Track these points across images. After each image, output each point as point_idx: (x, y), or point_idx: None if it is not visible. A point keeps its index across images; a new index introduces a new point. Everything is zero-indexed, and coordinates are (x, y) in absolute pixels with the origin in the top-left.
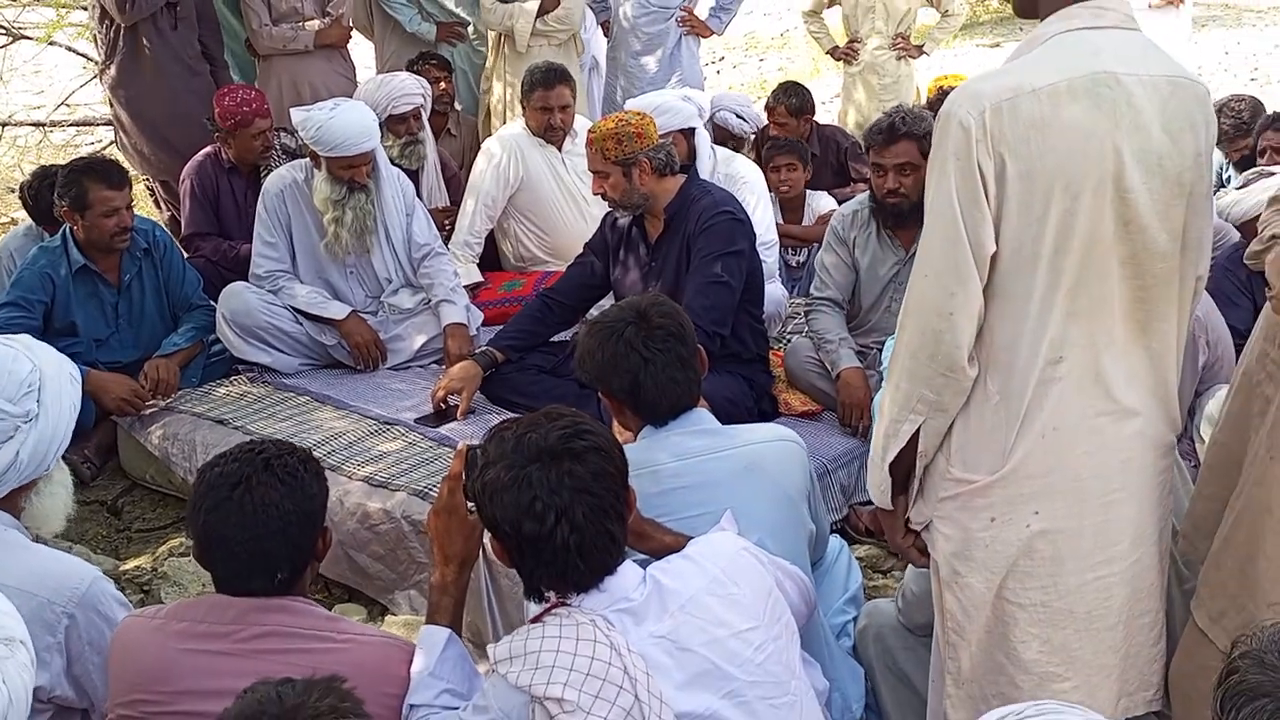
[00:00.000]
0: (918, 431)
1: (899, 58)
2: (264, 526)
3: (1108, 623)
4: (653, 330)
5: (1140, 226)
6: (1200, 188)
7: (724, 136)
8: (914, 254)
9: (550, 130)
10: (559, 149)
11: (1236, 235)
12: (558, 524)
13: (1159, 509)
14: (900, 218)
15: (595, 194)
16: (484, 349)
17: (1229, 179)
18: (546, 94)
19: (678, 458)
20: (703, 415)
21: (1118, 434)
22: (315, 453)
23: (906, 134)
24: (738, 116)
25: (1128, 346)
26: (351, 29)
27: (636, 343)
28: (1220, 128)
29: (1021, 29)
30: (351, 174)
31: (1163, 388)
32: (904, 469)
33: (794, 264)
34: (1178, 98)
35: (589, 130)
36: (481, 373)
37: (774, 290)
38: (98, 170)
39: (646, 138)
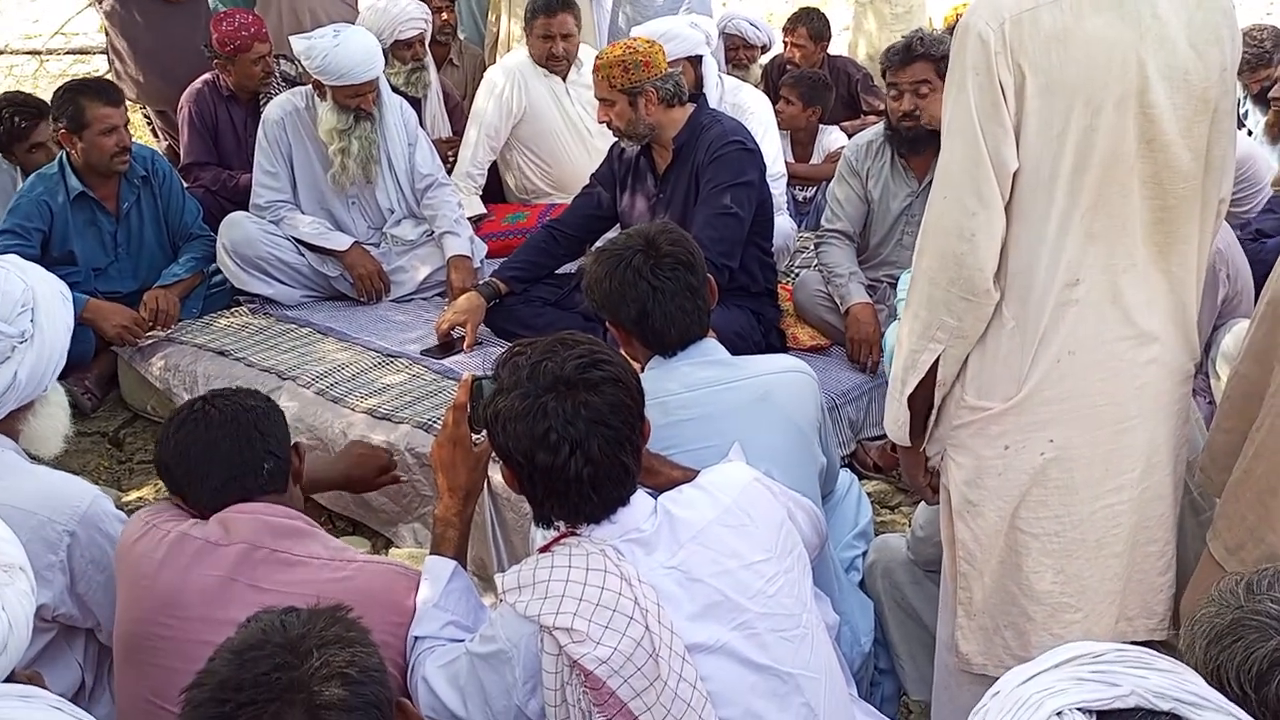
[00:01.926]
0: (937, 361)
1: None
2: (228, 425)
3: (1114, 550)
4: (661, 258)
5: (1163, 144)
6: (1225, 105)
7: (738, 45)
8: (928, 185)
9: (553, 59)
10: (563, 79)
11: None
12: (572, 456)
13: (1174, 438)
14: (915, 143)
15: (600, 123)
16: (488, 280)
17: (1246, 114)
18: (549, 21)
19: (687, 388)
20: (712, 345)
21: (1134, 359)
22: (318, 385)
23: (924, 55)
24: (752, 25)
25: (1147, 270)
26: None
27: (645, 271)
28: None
29: None
30: (358, 102)
31: (1181, 312)
32: (923, 404)
33: (801, 199)
34: (1204, 9)
35: (596, 57)
36: (485, 304)
37: (782, 223)
38: (93, 87)
39: (654, 66)
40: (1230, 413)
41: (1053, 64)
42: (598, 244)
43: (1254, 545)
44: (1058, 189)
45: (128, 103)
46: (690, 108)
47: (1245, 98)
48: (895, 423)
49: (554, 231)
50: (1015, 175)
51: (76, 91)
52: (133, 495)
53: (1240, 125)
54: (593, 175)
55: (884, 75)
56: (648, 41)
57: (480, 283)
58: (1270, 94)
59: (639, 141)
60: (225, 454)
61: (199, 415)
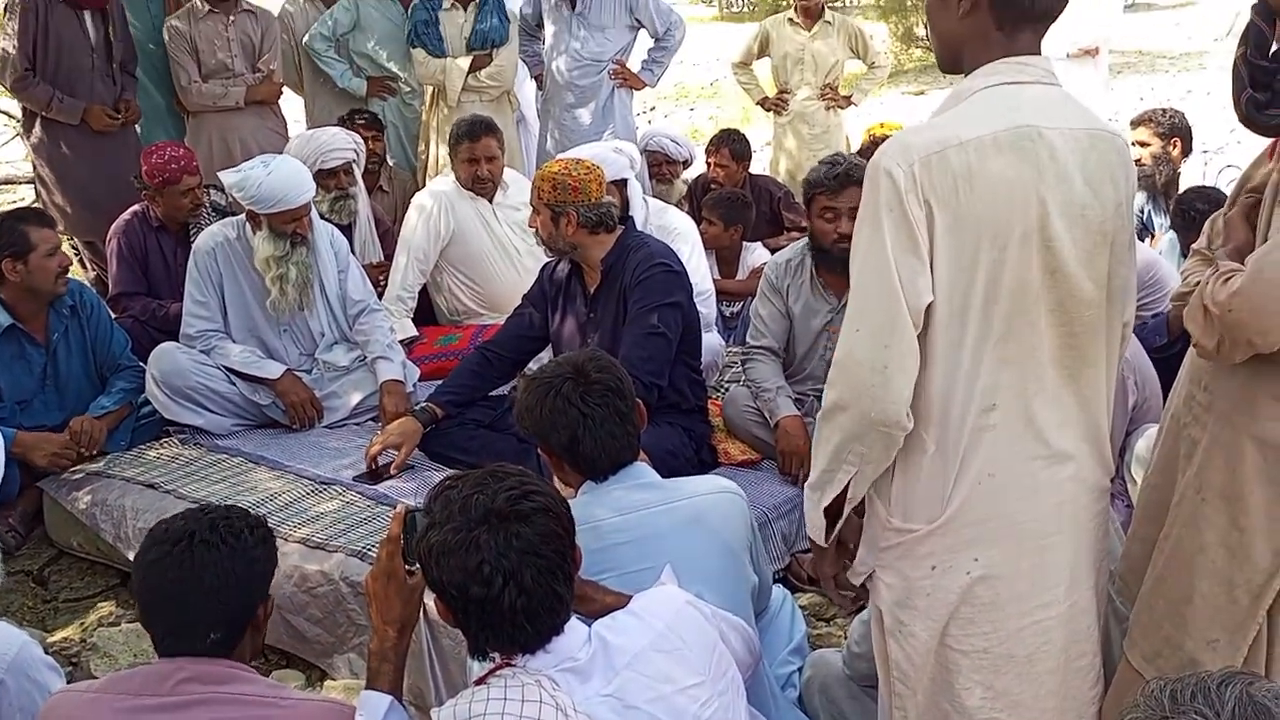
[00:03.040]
0: None
1: (828, 108)
2: (199, 584)
3: (1047, 666)
4: (590, 385)
5: (1066, 275)
6: (1122, 236)
7: (660, 161)
8: (845, 304)
9: (478, 181)
10: (489, 201)
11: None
12: (505, 587)
13: (1094, 551)
14: (828, 261)
15: (529, 228)
16: (423, 405)
17: (1148, 216)
18: (473, 146)
19: (619, 512)
20: (643, 469)
21: (1052, 478)
22: None
23: (859, 180)
24: (673, 142)
25: (1059, 392)
26: (282, 85)
27: (574, 398)
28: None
29: (947, 77)
30: (295, 226)
31: (1095, 431)
32: (837, 505)
33: (728, 314)
34: (1097, 150)
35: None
36: (421, 429)
37: (711, 339)
38: (30, 214)
39: (582, 192)
40: (1144, 521)
41: (960, 202)
42: (530, 369)
43: (1171, 653)
44: (970, 319)
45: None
46: (619, 232)
47: (1149, 205)
48: (812, 525)
49: (487, 353)
50: (929, 307)
51: (16, 219)
52: (58, 635)
53: (1145, 227)
54: (525, 296)
55: (811, 197)
56: (588, 167)
57: (417, 406)
58: (1194, 246)
59: (559, 255)
60: (175, 610)
61: (172, 556)
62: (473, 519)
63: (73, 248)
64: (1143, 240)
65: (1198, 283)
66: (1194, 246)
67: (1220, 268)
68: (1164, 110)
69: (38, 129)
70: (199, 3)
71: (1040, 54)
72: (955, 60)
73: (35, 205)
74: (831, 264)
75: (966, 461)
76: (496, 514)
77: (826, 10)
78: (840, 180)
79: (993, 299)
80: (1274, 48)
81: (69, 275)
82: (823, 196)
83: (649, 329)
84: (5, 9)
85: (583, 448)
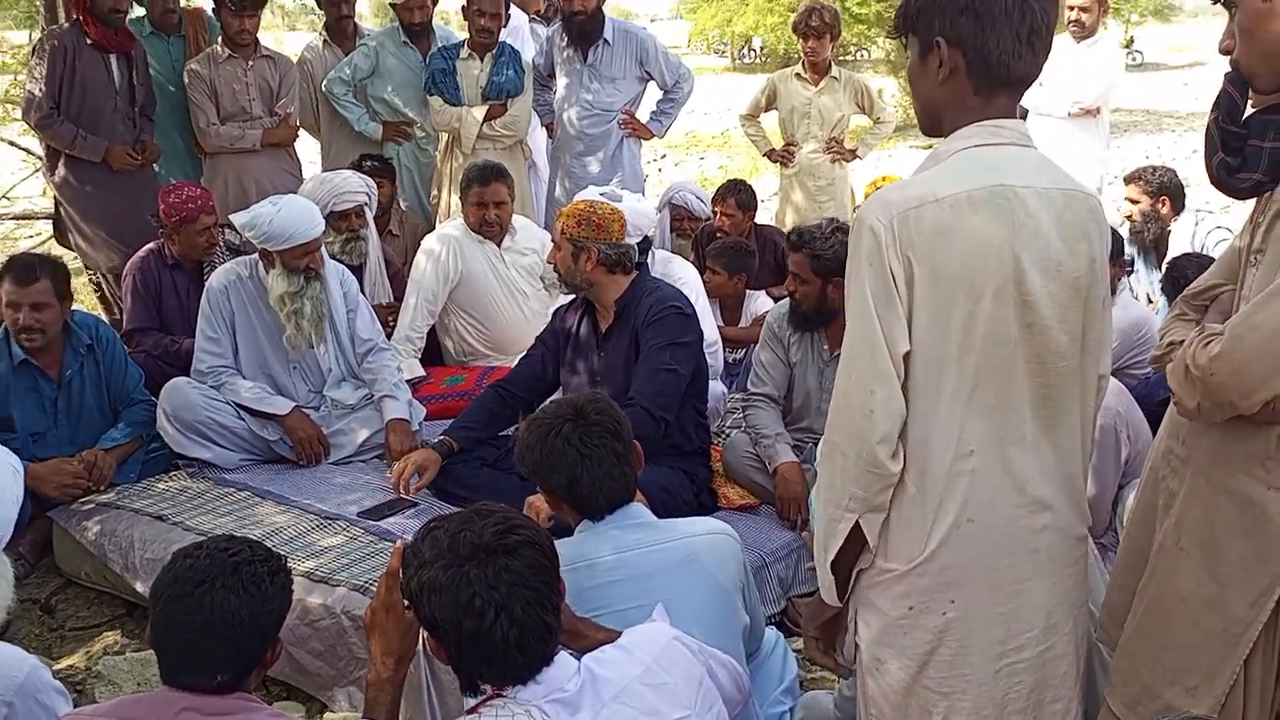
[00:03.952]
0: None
1: (833, 161)
2: (214, 630)
3: (1016, 706)
4: (589, 426)
5: (1041, 328)
6: (1096, 291)
7: (683, 216)
8: (837, 355)
9: (486, 225)
10: (497, 245)
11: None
12: (497, 619)
13: (1072, 598)
14: (803, 319)
15: (548, 263)
16: (441, 438)
17: (1131, 263)
18: (482, 190)
19: (614, 551)
20: (639, 510)
21: (1029, 526)
22: None
23: (801, 247)
24: (698, 199)
25: (1037, 442)
26: (299, 127)
27: (574, 439)
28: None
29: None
30: (307, 260)
31: (1070, 481)
32: (847, 566)
33: (731, 361)
34: (1071, 208)
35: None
36: (440, 459)
37: (714, 386)
38: (9, 265)
39: (606, 231)
40: (1123, 570)
41: (937, 256)
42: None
43: (1149, 700)
44: (947, 369)
45: (83, 266)
46: (634, 275)
47: (1140, 258)
48: (823, 584)
49: (501, 392)
50: (910, 356)
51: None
52: (63, 663)
53: (1130, 272)
54: (538, 337)
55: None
56: (613, 209)
57: (434, 440)
58: (1176, 300)
59: (574, 290)
60: (185, 649)
61: (193, 599)
62: (461, 555)
63: (92, 283)
64: (1129, 274)
65: (1171, 343)
66: (1176, 300)
67: (1205, 330)
68: (1153, 169)
69: (61, 167)
70: (219, 47)
71: (1016, 117)
72: (935, 123)
73: (45, 247)
74: (796, 320)
75: (945, 505)
76: (484, 549)
77: (834, 66)
78: (790, 244)
79: (968, 349)
80: (1246, 114)
81: (38, 334)
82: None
83: (661, 365)
84: (34, 50)
85: (581, 487)
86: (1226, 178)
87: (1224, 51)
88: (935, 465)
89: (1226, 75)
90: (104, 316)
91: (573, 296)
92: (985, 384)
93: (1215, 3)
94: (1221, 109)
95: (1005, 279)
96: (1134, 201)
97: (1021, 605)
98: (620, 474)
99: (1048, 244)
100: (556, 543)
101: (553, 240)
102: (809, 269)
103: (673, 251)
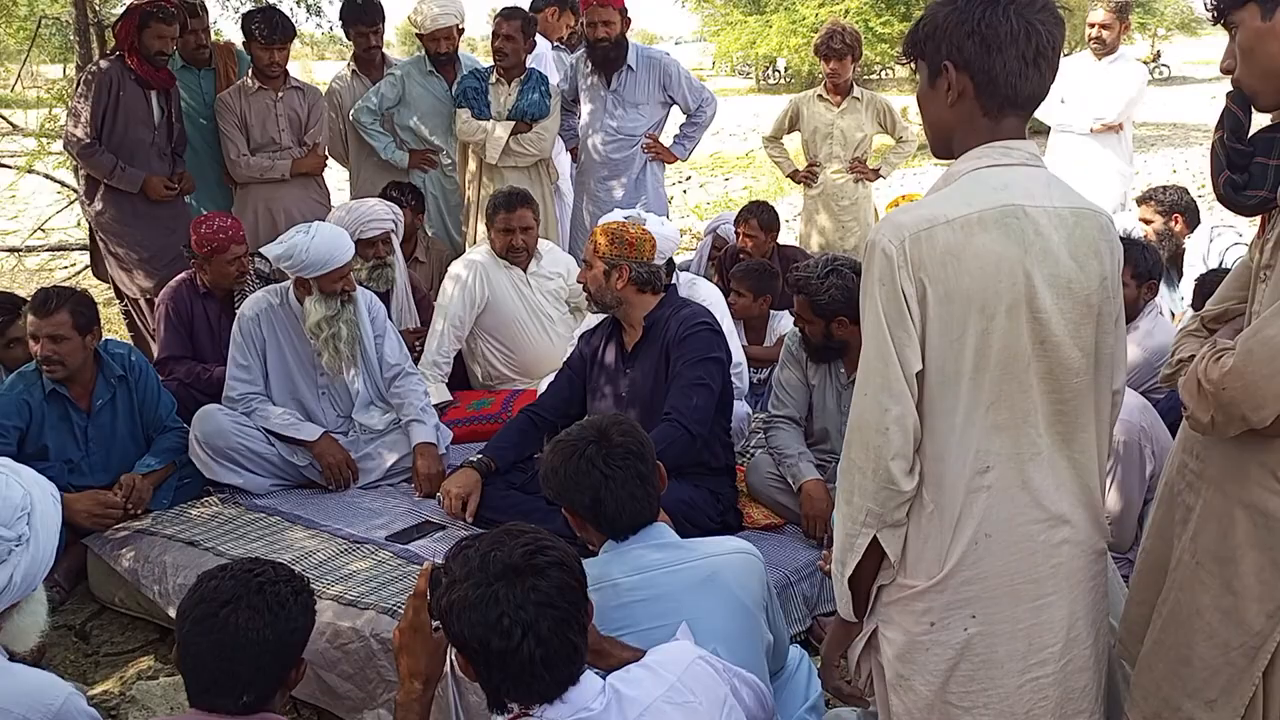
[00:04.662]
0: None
1: (856, 181)
2: (238, 650)
3: None
4: (613, 448)
5: (1054, 344)
6: (1108, 308)
7: (722, 245)
8: (855, 379)
9: (513, 250)
10: (523, 269)
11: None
12: (524, 638)
13: (1093, 612)
14: (814, 351)
15: (578, 283)
16: (479, 458)
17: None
18: (509, 216)
19: (638, 571)
20: (662, 530)
21: (1048, 540)
22: None
23: (799, 291)
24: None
25: (1053, 457)
26: (327, 158)
27: (597, 460)
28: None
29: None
30: (343, 284)
31: (1088, 494)
32: (865, 582)
33: (755, 381)
34: (1081, 226)
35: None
36: (480, 478)
37: (738, 407)
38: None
39: (638, 250)
40: (1140, 585)
41: (949, 276)
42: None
43: (1170, 714)
44: (961, 386)
45: (115, 296)
46: (661, 295)
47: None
48: (841, 599)
49: (533, 417)
50: (925, 373)
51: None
52: (98, 689)
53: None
54: (565, 361)
55: None
56: (643, 229)
57: (472, 459)
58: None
59: (604, 309)
60: (211, 669)
61: (218, 619)
62: (491, 574)
63: (124, 313)
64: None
65: (1182, 359)
66: (1191, 317)
67: (1216, 345)
68: (1164, 189)
69: (99, 198)
70: (250, 80)
71: (1025, 137)
72: (946, 145)
73: (80, 278)
74: (810, 351)
75: (964, 521)
76: (513, 569)
77: (855, 87)
78: (789, 286)
79: (982, 367)
80: (1250, 132)
81: (58, 365)
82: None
83: (695, 380)
84: (78, 81)
85: (605, 508)
86: (1233, 195)
87: (1225, 71)
88: (952, 482)
89: (1229, 94)
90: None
91: (599, 320)
92: (1000, 401)
93: (1216, 24)
94: (1226, 127)
95: (1017, 297)
96: (1147, 221)
97: (1042, 620)
98: (644, 495)
99: (1058, 262)
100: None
101: (583, 259)
102: (809, 311)
103: (708, 278)
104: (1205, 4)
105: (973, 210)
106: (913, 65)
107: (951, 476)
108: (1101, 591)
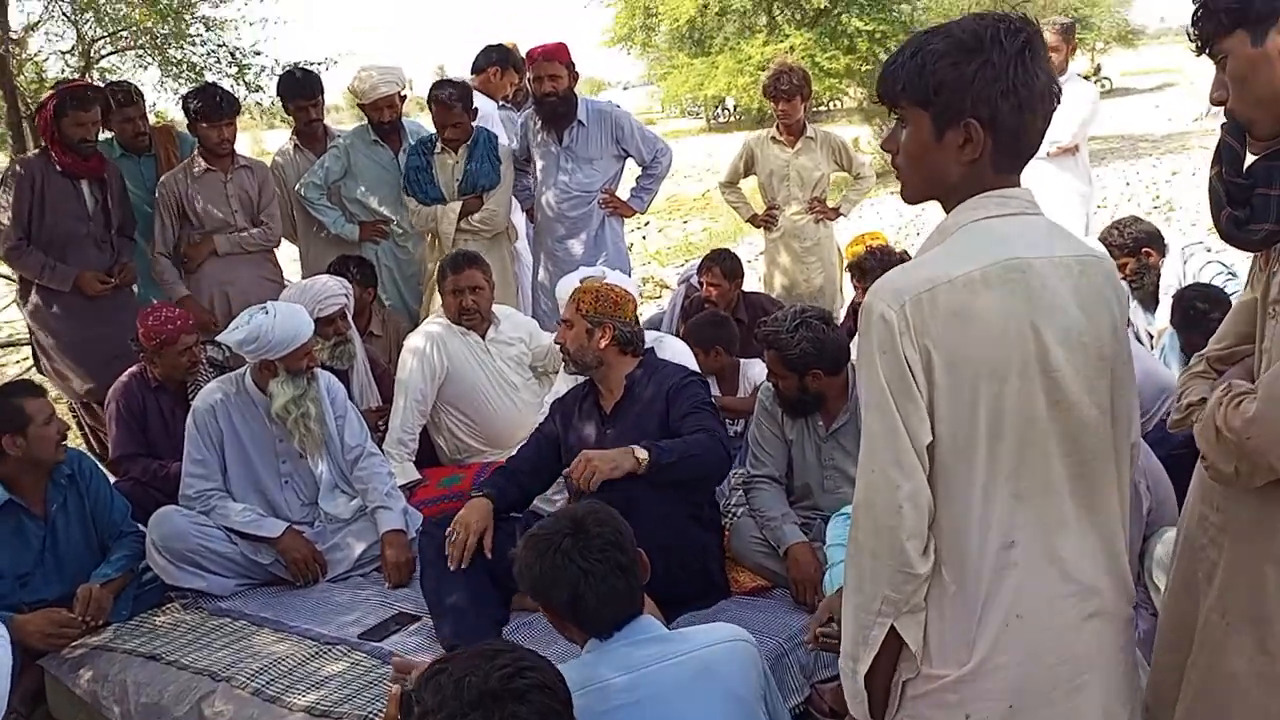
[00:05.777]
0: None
1: (817, 221)
2: None
3: None
4: (590, 540)
5: (1070, 404)
6: (1121, 359)
7: (693, 294)
8: (834, 431)
9: (465, 312)
10: (480, 335)
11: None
12: None
13: (1127, 687)
14: (789, 406)
15: (556, 343)
16: (481, 489)
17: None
18: (457, 277)
19: (626, 670)
20: (648, 623)
21: (1080, 614)
22: (254, 684)
23: (768, 346)
24: None
25: (1078, 525)
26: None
27: (574, 554)
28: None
29: None
30: (307, 360)
31: (1115, 560)
32: (882, 679)
33: (732, 434)
34: (1088, 276)
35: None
36: (490, 505)
37: None
38: (20, 387)
39: (621, 310)
40: (1166, 647)
41: (954, 339)
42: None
43: None
44: (977, 456)
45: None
46: (640, 358)
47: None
48: (854, 700)
49: (509, 476)
50: (936, 445)
51: (7, 395)
52: None
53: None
54: (535, 430)
55: None
56: (624, 290)
57: (479, 491)
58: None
59: (582, 371)
60: None
61: None
62: (466, 703)
63: (71, 410)
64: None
65: (1191, 404)
66: (1194, 358)
67: (1232, 389)
68: (1118, 227)
69: (34, 295)
70: (198, 160)
71: (1020, 184)
72: (933, 194)
73: (30, 374)
74: (785, 406)
75: (991, 602)
76: (490, 695)
77: (808, 126)
78: (758, 340)
79: (997, 435)
80: (1247, 163)
81: (66, 442)
82: None
83: (707, 417)
84: (1, 179)
85: (585, 604)
86: (1236, 232)
87: (1216, 103)
88: (974, 559)
89: (1223, 126)
90: (83, 447)
91: (570, 385)
92: (1020, 469)
93: (1200, 55)
94: (1223, 162)
95: (1028, 356)
96: (1122, 267)
97: (1080, 703)
98: (625, 587)
99: (1067, 315)
100: (564, 666)
101: (562, 319)
102: (782, 366)
103: (678, 331)
104: (1189, 34)
105: (975, 267)
106: (893, 110)
107: (974, 553)
108: (1131, 663)
